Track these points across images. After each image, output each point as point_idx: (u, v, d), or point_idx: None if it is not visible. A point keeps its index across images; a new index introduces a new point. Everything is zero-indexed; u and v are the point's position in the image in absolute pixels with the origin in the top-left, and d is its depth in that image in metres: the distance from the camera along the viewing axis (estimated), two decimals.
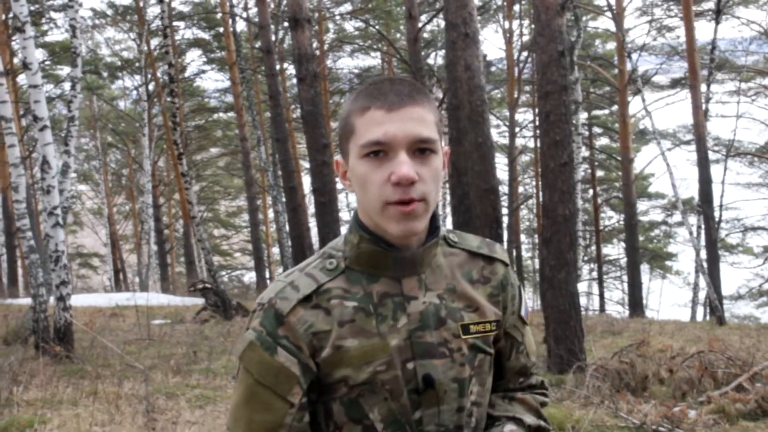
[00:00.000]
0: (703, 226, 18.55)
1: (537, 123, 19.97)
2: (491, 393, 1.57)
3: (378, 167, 1.35)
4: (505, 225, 25.85)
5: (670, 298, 29.52)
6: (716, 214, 22.63)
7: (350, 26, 27.23)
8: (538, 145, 16.07)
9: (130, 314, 13.22)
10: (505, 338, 1.56)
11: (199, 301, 15.08)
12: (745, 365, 7.44)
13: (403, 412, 1.41)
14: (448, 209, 20.09)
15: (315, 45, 26.70)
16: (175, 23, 25.98)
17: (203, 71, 28.61)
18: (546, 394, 1.65)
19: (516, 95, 22.94)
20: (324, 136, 9.47)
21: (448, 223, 19.13)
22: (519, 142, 24.70)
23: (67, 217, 9.32)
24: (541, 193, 8.60)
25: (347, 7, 26.11)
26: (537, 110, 14.59)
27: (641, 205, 29.64)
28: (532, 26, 16.09)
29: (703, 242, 18.68)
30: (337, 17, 26.20)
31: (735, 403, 6.54)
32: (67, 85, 23.65)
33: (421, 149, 1.36)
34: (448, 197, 20.08)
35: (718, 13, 17.96)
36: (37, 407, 5.31)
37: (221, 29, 24.80)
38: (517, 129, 24.11)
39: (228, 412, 1.47)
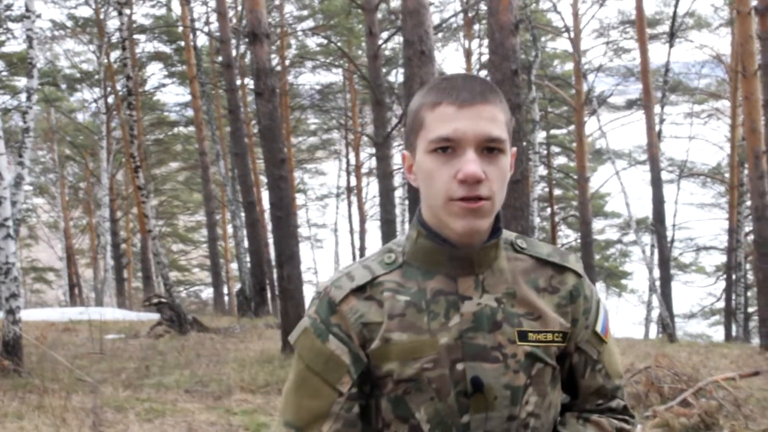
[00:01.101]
0: (656, 245, 18.87)
1: None
2: (567, 411, 1.53)
3: (445, 163, 1.35)
4: None
5: (626, 316, 29.94)
6: (669, 233, 23.08)
7: (312, 42, 27.32)
8: None
9: (83, 329, 13.05)
10: (578, 354, 1.50)
11: (155, 316, 14.93)
12: (691, 381, 7.60)
13: (450, 414, 1.39)
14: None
15: (276, 60, 26.77)
16: (135, 36, 25.81)
17: (164, 85, 28.42)
18: (628, 421, 1.55)
19: None
20: (281, 151, 9.50)
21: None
22: None
23: (19, 229, 9.20)
24: None
25: (309, 23, 26.22)
26: None
27: (598, 224, 30.07)
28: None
29: (656, 261, 19.01)
30: (299, 33, 26.28)
31: (679, 417, 6.69)
32: (23, 96, 23.39)
33: (489, 148, 1.35)
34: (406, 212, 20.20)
35: (671, 37, 18.40)
36: None
37: (182, 43, 24.71)
38: None
39: (281, 399, 1.48)
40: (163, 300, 13.39)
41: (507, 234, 1.49)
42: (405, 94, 9.09)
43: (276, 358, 9.75)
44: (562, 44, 27.09)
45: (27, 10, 9.90)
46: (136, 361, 9.53)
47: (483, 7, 14.87)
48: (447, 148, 1.34)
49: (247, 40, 10.77)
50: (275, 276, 13.70)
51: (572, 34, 19.68)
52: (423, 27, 7.71)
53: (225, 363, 9.58)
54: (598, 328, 1.51)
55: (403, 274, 1.43)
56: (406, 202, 16.58)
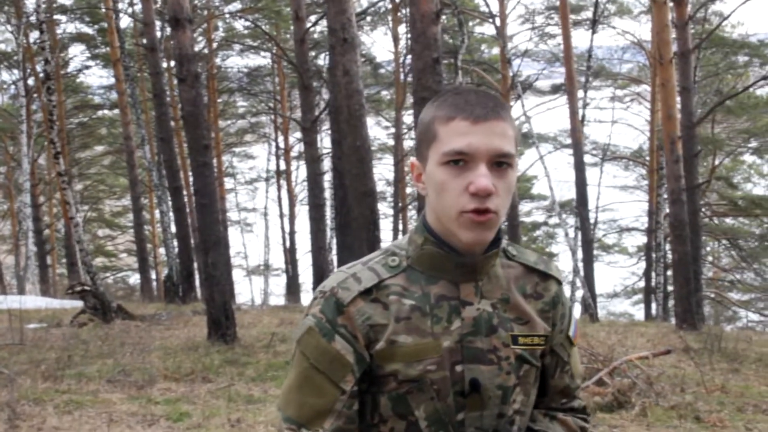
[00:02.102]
0: (579, 227, 19.36)
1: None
2: (534, 409, 1.61)
3: (457, 176, 1.40)
4: (391, 227, 26.20)
5: None
6: (593, 215, 23.68)
7: (240, 25, 26.98)
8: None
9: (3, 318, 12.73)
10: (551, 355, 1.59)
11: (80, 304, 14.64)
12: (606, 360, 7.86)
13: (447, 413, 1.46)
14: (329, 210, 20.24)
15: (203, 43, 26.38)
16: (57, 16, 25.07)
17: (87, 67, 27.70)
18: (587, 420, 1.66)
19: (402, 97, 23.31)
20: (205, 137, 9.42)
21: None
22: (407, 144, 25.06)
23: None
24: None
25: (237, 6, 25.86)
26: (413, 114, 14.81)
27: (525, 206, 30.62)
28: None
29: (579, 243, 19.49)
30: (227, 16, 25.92)
31: (594, 396, 6.93)
32: None
33: (499, 162, 1.40)
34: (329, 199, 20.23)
35: (594, 23, 18.80)
36: None
37: (105, 24, 24.11)
38: (404, 131, 24.49)
39: (280, 395, 1.52)
40: (86, 288, 13.13)
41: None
42: (330, 81, 9.11)
43: (201, 346, 9.71)
44: (490, 29, 27.41)
45: None
46: (57, 351, 9.35)
47: None
48: (459, 161, 1.39)
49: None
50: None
51: (498, 20, 19.92)
52: (345, 15, 7.73)
53: (150, 351, 9.48)
54: (571, 332, 1.63)
55: (408, 277, 1.49)
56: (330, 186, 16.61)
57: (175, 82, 24.47)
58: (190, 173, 25.00)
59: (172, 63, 23.33)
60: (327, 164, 20.87)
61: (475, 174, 1.38)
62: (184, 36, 9.02)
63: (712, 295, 23.87)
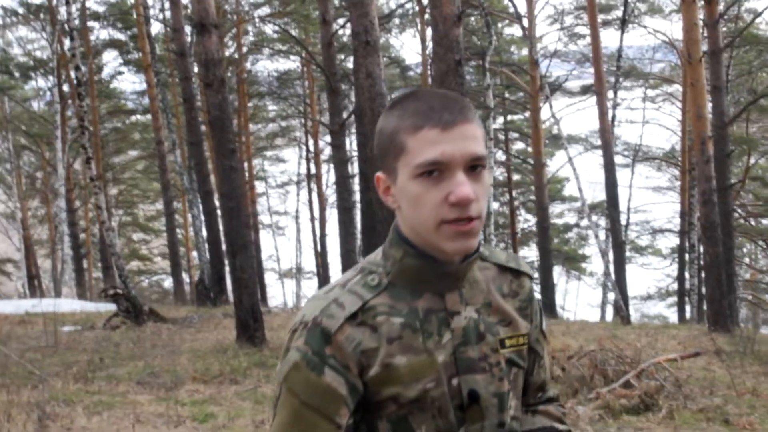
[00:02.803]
0: (610, 229, 19.19)
1: None
2: None
3: (433, 186, 1.33)
4: None
5: (584, 299, 30.40)
6: (624, 216, 23.48)
7: (269, 29, 27.19)
8: None
9: (39, 321, 12.97)
10: (529, 353, 1.55)
11: (114, 307, 14.87)
12: (634, 363, 7.81)
13: (449, 429, 1.40)
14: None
15: (233, 48, 26.62)
16: (90, 23, 25.49)
17: (120, 72, 28.14)
18: (563, 406, 1.65)
19: None
20: (232, 142, 9.52)
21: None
22: None
23: None
24: None
25: (266, 10, 26.06)
26: None
27: (557, 208, 30.44)
28: None
29: (610, 244, 19.34)
30: (256, 20, 26.12)
31: (620, 398, 6.88)
32: None
33: (473, 166, 1.34)
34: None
35: (623, 23, 18.64)
36: None
37: (137, 30, 24.45)
38: None
39: None
40: (119, 291, 13.34)
41: None
42: (355, 84, 9.17)
43: (230, 348, 9.81)
44: (519, 30, 27.31)
45: None
46: (89, 354, 9.52)
47: None
48: (434, 171, 1.32)
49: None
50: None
51: (526, 21, 19.85)
52: (368, 18, 7.78)
53: (179, 353, 9.61)
54: (544, 326, 1.59)
55: (391, 295, 1.41)
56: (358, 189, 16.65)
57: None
58: None
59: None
60: (356, 167, 20.94)
61: (453, 183, 1.32)
62: (210, 41, 9.13)
63: (750, 297, 23.52)
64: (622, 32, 18.71)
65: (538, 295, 1.64)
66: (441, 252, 1.38)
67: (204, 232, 17.75)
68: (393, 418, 1.40)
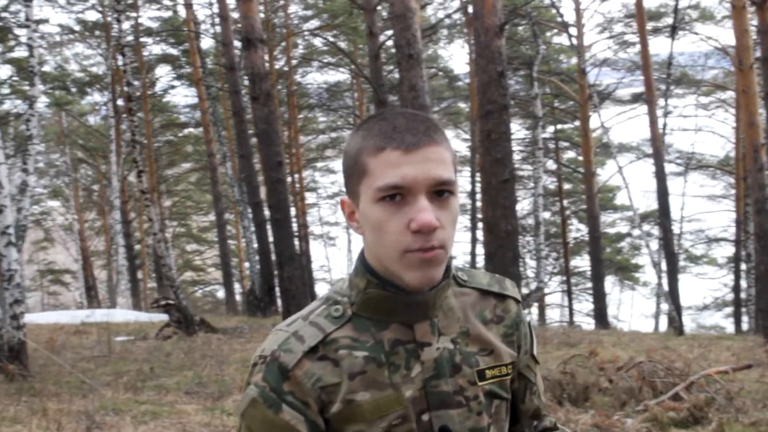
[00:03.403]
0: (662, 238, 18.89)
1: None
2: None
3: (395, 212, 1.25)
4: (469, 238, 26.04)
5: (639, 309, 29.92)
6: (677, 226, 23.07)
7: (319, 42, 27.47)
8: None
9: (94, 331, 13.29)
10: (518, 380, 1.47)
11: (166, 317, 15.14)
12: (683, 375, 7.68)
13: None
14: None
15: (283, 61, 26.94)
16: (144, 39, 26.08)
17: (173, 87, 28.70)
18: None
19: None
20: (278, 154, 9.67)
21: None
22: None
23: (25, 235, 9.41)
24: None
25: (315, 23, 26.34)
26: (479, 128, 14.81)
27: (608, 217, 30.04)
28: None
29: (663, 254, 19.02)
30: (306, 33, 26.41)
31: (668, 411, 6.77)
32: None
33: (439, 192, 1.26)
34: None
35: (673, 30, 18.37)
36: None
37: (189, 45, 24.95)
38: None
39: None
40: (170, 302, 13.58)
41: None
42: (399, 97, 9.22)
43: None
44: (568, 39, 27.10)
45: (27, 19, 10.10)
46: (140, 363, 9.71)
47: None
48: (396, 195, 1.25)
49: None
50: None
51: (575, 30, 19.71)
52: (410, 31, 7.83)
53: (228, 364, 9.75)
54: (535, 351, 1.50)
55: (355, 326, 1.34)
56: None
57: None
58: None
59: None
60: None
61: (414, 209, 1.24)
62: (256, 56, 9.28)
63: None
64: (672, 39, 18.45)
65: (530, 318, 1.55)
66: (404, 283, 1.29)
67: (255, 243, 17.99)
68: None
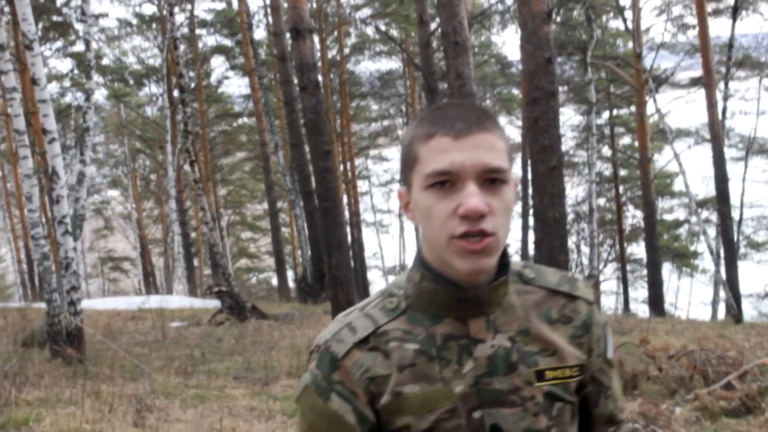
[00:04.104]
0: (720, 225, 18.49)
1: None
2: None
3: (444, 198, 1.25)
4: (520, 225, 25.82)
5: (698, 297, 29.36)
6: (737, 212, 22.52)
7: (371, 31, 27.48)
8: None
9: (150, 317, 13.59)
10: (592, 383, 1.43)
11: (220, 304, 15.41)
12: (737, 363, 7.53)
13: None
14: None
15: (335, 50, 27.03)
16: (198, 31, 26.46)
17: (227, 77, 29.07)
18: None
19: None
20: (326, 143, 9.73)
21: None
22: None
23: (82, 225, 9.67)
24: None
25: (367, 12, 26.35)
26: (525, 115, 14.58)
27: (666, 203, 29.50)
28: None
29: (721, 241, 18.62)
30: (358, 22, 26.46)
31: (719, 400, 6.65)
32: (96, 94, 24.32)
33: (491, 179, 1.25)
34: None
35: (735, 11, 17.89)
36: (34, 407, 5.62)
37: (242, 36, 25.21)
38: None
39: None
40: (223, 289, 13.82)
41: (513, 264, 1.39)
42: (447, 85, 9.20)
43: None
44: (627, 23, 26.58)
45: (83, 13, 10.34)
46: (193, 349, 9.91)
47: None
48: (445, 182, 1.25)
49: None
50: None
51: (631, 13, 19.33)
52: (457, 18, 7.79)
53: (278, 349, 9.88)
54: (609, 354, 1.45)
55: (409, 319, 1.34)
56: None
57: None
58: None
59: None
60: None
61: (463, 195, 1.23)
62: (305, 46, 9.34)
63: None
64: (734, 21, 17.96)
65: (603, 318, 1.47)
66: (457, 272, 1.28)
67: (306, 231, 18.16)
68: None
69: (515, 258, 1.31)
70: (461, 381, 1.30)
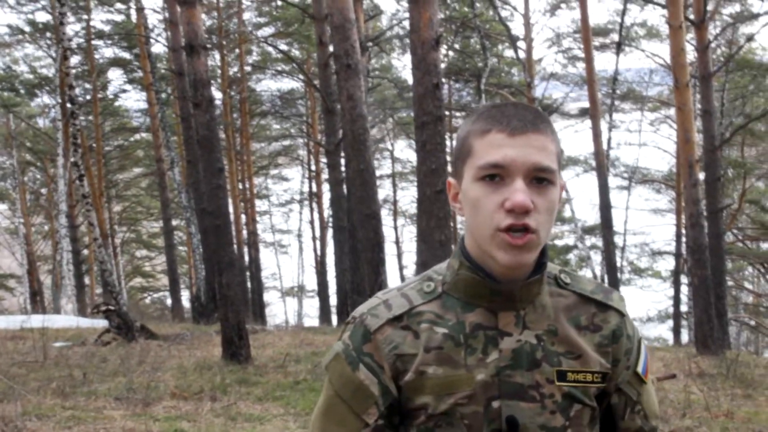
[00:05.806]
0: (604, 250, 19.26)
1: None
2: None
3: (493, 191, 1.31)
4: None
5: None
6: (621, 238, 23.50)
7: (273, 50, 27.46)
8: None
9: (32, 336, 13.07)
10: (617, 395, 1.45)
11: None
12: None
13: None
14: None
15: (236, 68, 26.88)
16: (95, 42, 25.80)
17: (124, 90, 28.44)
18: None
19: None
20: (219, 161, 9.67)
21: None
22: None
23: None
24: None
25: (269, 30, 26.34)
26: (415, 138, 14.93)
27: (556, 229, 30.43)
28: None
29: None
30: (260, 40, 26.40)
31: None
32: None
33: (539, 178, 1.31)
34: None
35: (618, 46, 18.79)
36: None
37: (139, 50, 24.76)
38: None
39: (311, 418, 1.48)
40: (110, 307, 13.45)
41: (551, 267, 1.44)
42: (340, 106, 9.32)
43: (216, 365, 9.89)
44: (519, 53, 27.48)
45: None
46: (74, 369, 9.61)
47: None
48: (495, 176, 1.31)
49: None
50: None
51: (524, 44, 20.04)
52: (349, 41, 7.93)
53: (165, 370, 9.68)
54: (639, 369, 1.47)
55: (443, 304, 1.39)
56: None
57: None
58: None
59: None
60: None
61: (511, 189, 1.30)
62: (199, 62, 9.29)
63: (752, 322, 23.43)
64: (618, 55, 18.87)
65: (638, 333, 1.51)
66: (496, 264, 1.34)
67: (201, 250, 17.90)
68: (422, 429, 1.38)
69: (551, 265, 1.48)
70: (484, 370, 1.35)
